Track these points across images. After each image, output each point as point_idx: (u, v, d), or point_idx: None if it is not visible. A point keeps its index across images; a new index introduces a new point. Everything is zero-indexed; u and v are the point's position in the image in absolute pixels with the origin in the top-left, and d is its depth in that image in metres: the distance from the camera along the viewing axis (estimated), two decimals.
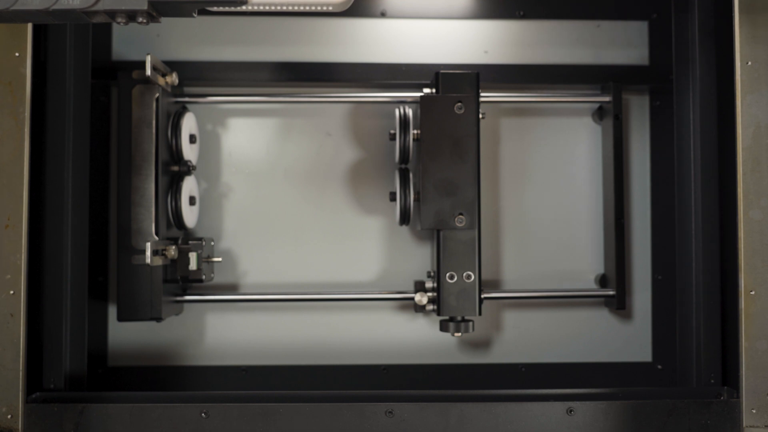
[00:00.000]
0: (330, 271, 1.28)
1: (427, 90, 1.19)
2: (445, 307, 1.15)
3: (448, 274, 1.14)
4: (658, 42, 1.28)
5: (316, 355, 1.26)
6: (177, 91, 1.20)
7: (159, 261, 1.08)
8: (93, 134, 1.17)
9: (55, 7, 0.69)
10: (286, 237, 1.28)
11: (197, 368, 1.27)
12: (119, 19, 0.72)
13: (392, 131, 1.20)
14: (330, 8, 0.79)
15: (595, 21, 1.30)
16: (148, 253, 1.04)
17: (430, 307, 1.18)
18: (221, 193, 1.28)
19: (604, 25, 1.30)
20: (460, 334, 1.16)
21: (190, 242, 1.17)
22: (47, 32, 1.11)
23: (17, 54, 1.04)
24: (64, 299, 1.10)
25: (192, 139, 1.21)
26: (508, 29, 1.29)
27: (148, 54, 1.06)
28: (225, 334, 1.27)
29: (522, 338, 1.29)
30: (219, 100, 1.25)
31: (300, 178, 1.28)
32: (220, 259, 1.23)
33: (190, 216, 1.20)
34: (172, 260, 1.14)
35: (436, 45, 1.29)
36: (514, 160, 1.30)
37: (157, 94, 1.12)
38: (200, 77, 1.25)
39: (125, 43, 1.26)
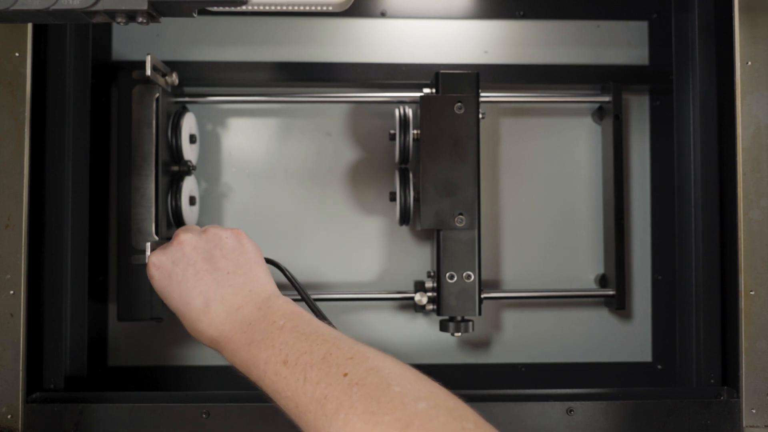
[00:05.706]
0: (329, 270, 1.28)
1: (427, 90, 1.19)
2: (445, 307, 1.15)
3: (448, 274, 1.14)
4: (658, 42, 1.28)
5: None
6: (177, 91, 1.20)
7: None
8: (93, 134, 1.17)
9: (55, 7, 0.69)
10: (286, 237, 1.28)
11: (197, 368, 1.26)
12: (119, 19, 0.71)
13: (392, 131, 1.20)
14: (330, 8, 0.79)
15: (595, 21, 1.30)
16: (148, 253, 1.04)
17: (430, 306, 1.18)
18: (221, 193, 1.28)
19: (604, 25, 1.30)
20: (460, 334, 1.16)
21: None
22: (47, 32, 1.10)
23: (17, 54, 1.04)
24: (64, 299, 1.10)
25: (192, 139, 1.21)
26: (508, 29, 1.29)
27: (148, 54, 1.05)
28: None
29: (522, 338, 1.29)
30: (219, 100, 1.25)
31: (300, 178, 1.28)
32: None
33: (190, 216, 1.20)
34: None
35: (436, 45, 1.28)
36: (514, 160, 1.30)
37: (157, 94, 1.12)
38: (200, 77, 1.25)
39: (125, 43, 1.26)
